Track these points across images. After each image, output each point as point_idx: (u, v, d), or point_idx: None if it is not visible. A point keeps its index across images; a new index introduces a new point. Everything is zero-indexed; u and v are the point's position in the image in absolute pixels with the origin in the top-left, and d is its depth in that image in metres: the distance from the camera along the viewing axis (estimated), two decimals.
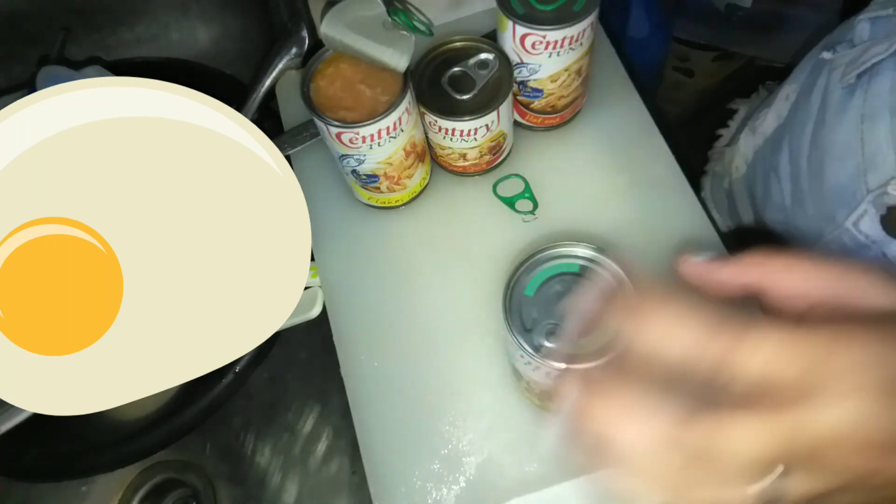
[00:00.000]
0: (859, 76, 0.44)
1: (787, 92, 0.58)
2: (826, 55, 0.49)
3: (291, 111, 0.62)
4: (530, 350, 0.36)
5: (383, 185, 0.51)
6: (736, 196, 0.65)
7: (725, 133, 0.71)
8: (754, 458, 0.20)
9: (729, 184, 0.66)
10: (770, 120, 0.59)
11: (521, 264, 0.38)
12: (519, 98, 0.52)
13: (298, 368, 0.55)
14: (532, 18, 0.45)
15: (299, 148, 0.58)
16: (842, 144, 0.44)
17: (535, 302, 0.38)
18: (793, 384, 0.20)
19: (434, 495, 0.44)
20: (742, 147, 0.64)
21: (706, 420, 0.20)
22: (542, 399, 0.45)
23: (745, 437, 0.20)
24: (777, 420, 0.20)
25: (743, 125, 0.66)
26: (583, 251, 0.38)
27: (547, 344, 0.36)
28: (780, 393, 0.20)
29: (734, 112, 0.71)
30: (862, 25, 0.48)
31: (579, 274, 0.38)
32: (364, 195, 0.53)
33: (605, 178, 0.54)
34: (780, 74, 0.65)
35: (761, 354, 0.20)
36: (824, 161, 0.46)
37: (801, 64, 0.58)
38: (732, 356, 0.20)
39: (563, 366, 0.34)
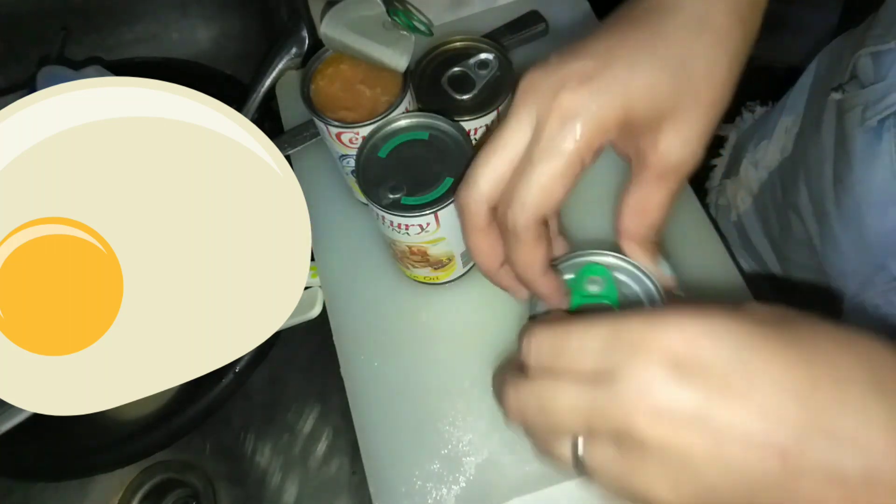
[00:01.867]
0: (881, 121, 0.43)
1: (786, 124, 0.57)
2: (835, 95, 0.48)
3: (291, 111, 0.62)
4: (379, 206, 0.41)
5: None
6: (748, 229, 0.64)
7: (719, 163, 0.71)
8: (567, 418, 0.27)
9: (737, 216, 0.66)
10: (773, 153, 0.58)
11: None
12: None
13: (298, 368, 0.55)
14: None
15: (299, 148, 0.58)
16: (879, 192, 0.43)
17: (387, 163, 0.43)
18: (595, 365, 0.26)
19: (434, 495, 0.44)
20: (745, 180, 0.63)
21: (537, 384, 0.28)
22: (403, 261, 0.47)
23: (564, 399, 0.27)
24: (585, 392, 0.26)
25: (737, 154, 0.66)
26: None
27: (390, 196, 0.41)
28: (589, 371, 0.26)
29: (723, 139, 0.71)
30: (864, 61, 0.46)
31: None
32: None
33: (604, 178, 0.54)
34: (761, 94, 0.64)
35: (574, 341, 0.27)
36: (860, 208, 0.45)
37: (793, 93, 0.57)
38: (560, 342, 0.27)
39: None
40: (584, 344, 0.26)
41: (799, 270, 0.59)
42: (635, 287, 0.36)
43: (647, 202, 0.34)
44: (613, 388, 0.25)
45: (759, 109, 0.67)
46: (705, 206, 0.71)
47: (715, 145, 0.71)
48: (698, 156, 0.32)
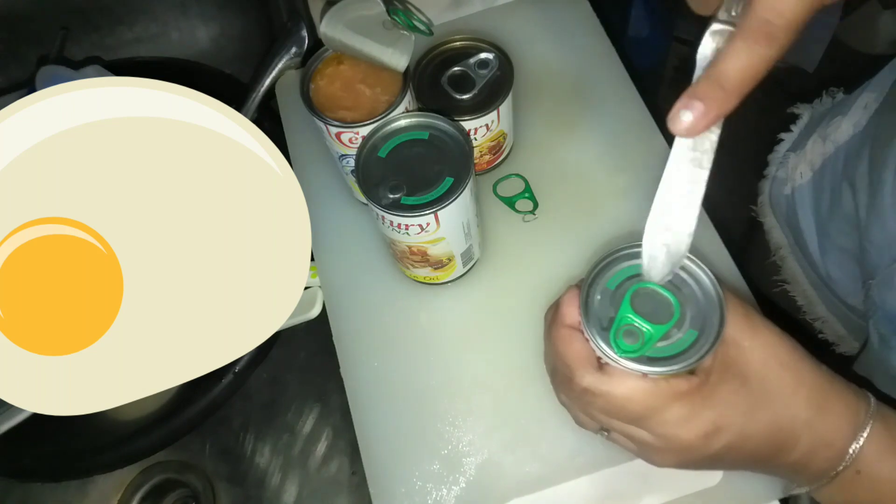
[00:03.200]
0: None
1: (866, 101, 0.56)
2: None
3: (291, 111, 0.62)
4: (379, 206, 0.41)
5: None
6: (797, 203, 0.64)
7: (787, 137, 0.70)
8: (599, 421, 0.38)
9: (791, 189, 0.65)
10: (845, 128, 0.58)
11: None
12: None
13: (298, 368, 0.55)
14: None
15: None
16: None
17: (387, 163, 0.43)
18: (632, 415, 0.35)
19: (434, 496, 0.44)
20: (809, 153, 0.63)
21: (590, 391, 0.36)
22: (403, 261, 0.47)
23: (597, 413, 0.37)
24: (614, 423, 0.37)
25: (809, 131, 0.65)
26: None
27: (390, 196, 0.42)
28: (626, 414, 0.35)
29: (797, 117, 0.70)
30: None
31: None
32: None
33: (605, 178, 0.54)
34: (842, 81, 0.64)
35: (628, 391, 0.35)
36: None
37: (882, 73, 0.57)
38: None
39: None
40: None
41: (836, 253, 0.59)
42: (690, 282, 0.35)
43: (730, 60, 0.29)
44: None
45: (840, 96, 0.66)
46: (762, 177, 0.70)
47: (787, 121, 0.71)
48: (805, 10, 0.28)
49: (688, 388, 0.34)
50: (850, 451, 0.35)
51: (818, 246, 0.61)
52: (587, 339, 0.35)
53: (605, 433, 0.39)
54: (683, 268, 0.36)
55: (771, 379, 0.35)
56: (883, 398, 0.36)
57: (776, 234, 0.68)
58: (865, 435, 0.35)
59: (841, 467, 0.35)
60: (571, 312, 0.37)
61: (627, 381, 0.34)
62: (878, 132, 0.52)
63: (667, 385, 0.34)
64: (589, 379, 0.35)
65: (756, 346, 0.35)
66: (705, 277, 0.35)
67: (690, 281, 0.36)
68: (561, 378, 0.38)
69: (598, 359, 0.36)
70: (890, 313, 0.45)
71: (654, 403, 0.34)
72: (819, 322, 0.65)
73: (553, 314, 0.39)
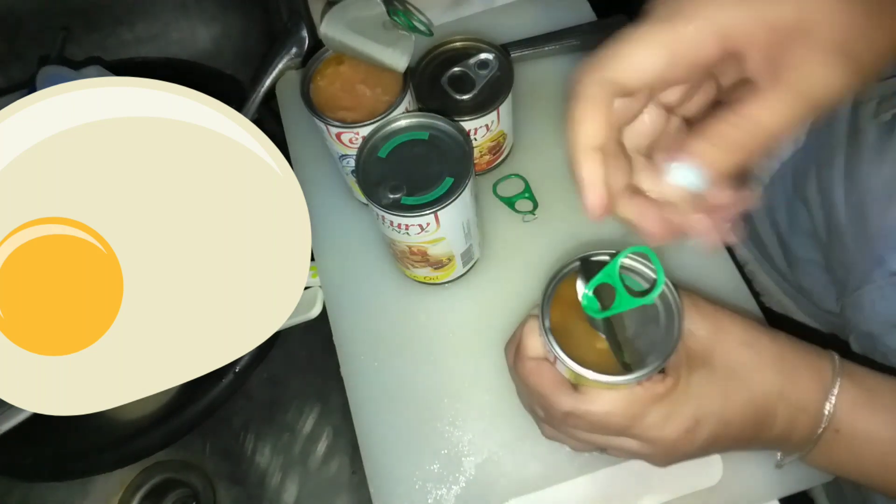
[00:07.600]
0: None
1: None
2: None
3: (291, 111, 0.62)
4: (379, 206, 0.41)
5: None
6: (755, 219, 0.64)
7: None
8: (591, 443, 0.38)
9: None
10: (786, 143, 0.58)
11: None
12: None
13: (298, 368, 0.55)
14: None
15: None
16: (887, 186, 0.43)
17: (387, 163, 0.43)
18: (617, 427, 0.35)
19: (434, 495, 0.44)
20: (755, 169, 0.63)
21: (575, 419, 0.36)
22: (403, 261, 0.47)
23: (587, 435, 0.37)
24: (601, 439, 0.37)
25: None
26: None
27: (390, 196, 0.41)
28: (610, 428, 0.35)
29: None
30: None
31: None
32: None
33: None
34: None
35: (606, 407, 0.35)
36: (865, 200, 0.45)
37: None
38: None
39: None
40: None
41: (803, 265, 0.59)
42: (646, 287, 0.35)
43: (755, 119, 0.26)
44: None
45: None
46: None
47: None
48: (846, 90, 0.25)
49: (664, 390, 0.34)
50: (825, 411, 0.35)
51: (784, 259, 0.62)
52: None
53: (602, 450, 0.39)
54: (640, 275, 0.36)
55: (734, 360, 0.35)
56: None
57: (740, 250, 0.68)
58: (836, 393, 0.35)
59: (820, 429, 0.35)
60: (534, 344, 0.37)
61: (605, 394, 0.34)
62: (820, 152, 0.52)
63: (642, 390, 0.34)
64: (567, 402, 0.35)
65: (711, 332, 0.36)
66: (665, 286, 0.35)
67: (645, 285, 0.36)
68: (540, 411, 0.38)
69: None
70: (865, 334, 0.46)
71: (634, 411, 0.34)
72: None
73: (515, 349, 0.38)
